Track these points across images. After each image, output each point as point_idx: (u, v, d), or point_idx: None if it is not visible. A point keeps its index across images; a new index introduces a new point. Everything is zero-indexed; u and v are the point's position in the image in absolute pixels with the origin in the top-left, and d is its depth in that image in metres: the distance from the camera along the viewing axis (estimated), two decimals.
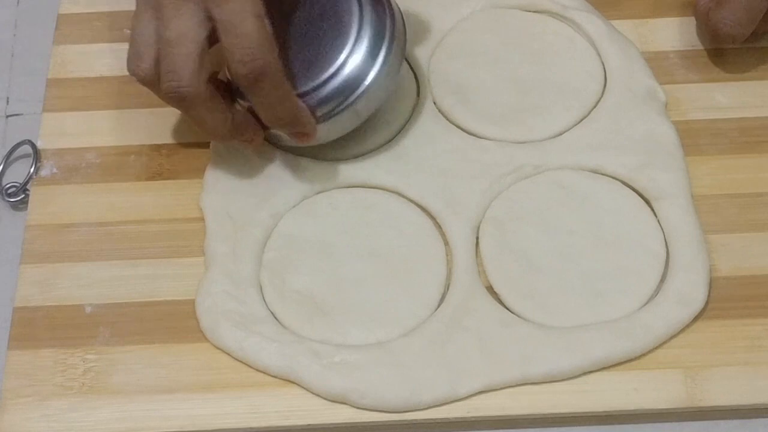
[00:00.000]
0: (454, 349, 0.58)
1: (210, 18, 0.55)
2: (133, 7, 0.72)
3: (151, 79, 0.58)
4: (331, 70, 0.60)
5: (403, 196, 0.64)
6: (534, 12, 0.71)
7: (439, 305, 0.60)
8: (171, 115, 0.68)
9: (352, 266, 0.62)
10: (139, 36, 0.57)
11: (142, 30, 0.57)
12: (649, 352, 0.59)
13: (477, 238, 0.63)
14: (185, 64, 0.56)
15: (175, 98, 0.57)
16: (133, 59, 0.58)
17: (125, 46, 0.70)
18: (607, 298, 0.60)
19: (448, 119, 0.67)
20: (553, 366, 0.58)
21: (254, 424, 0.58)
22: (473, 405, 0.58)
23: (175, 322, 0.61)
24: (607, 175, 0.64)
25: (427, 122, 0.67)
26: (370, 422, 0.58)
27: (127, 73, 0.69)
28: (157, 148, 0.67)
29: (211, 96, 0.58)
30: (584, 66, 0.69)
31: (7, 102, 0.71)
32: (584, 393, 0.58)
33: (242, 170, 0.65)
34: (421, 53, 0.69)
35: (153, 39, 0.57)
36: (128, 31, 0.70)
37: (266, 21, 0.55)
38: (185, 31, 0.55)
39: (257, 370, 0.59)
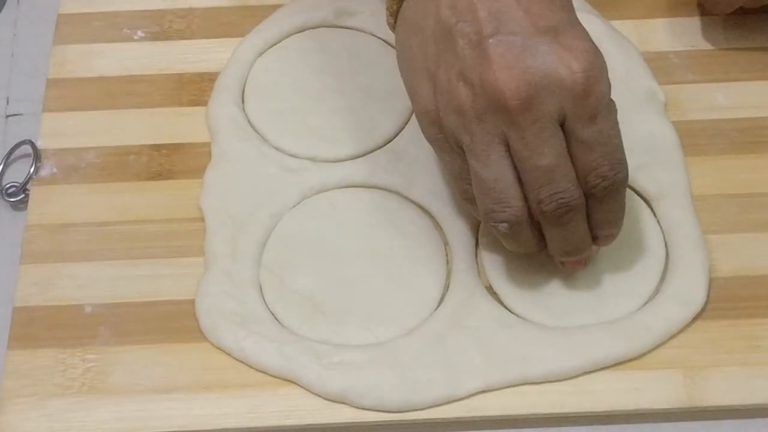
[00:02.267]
0: (454, 349, 0.58)
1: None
2: (133, 7, 0.72)
3: (518, 218, 0.55)
4: None
5: (403, 196, 0.64)
6: None
7: (439, 305, 0.60)
8: (171, 115, 0.68)
9: (352, 266, 0.62)
10: (496, 182, 0.54)
11: (497, 174, 0.54)
12: (649, 352, 0.59)
13: (477, 238, 0.63)
14: (570, 179, 0.54)
15: (561, 221, 0.55)
16: (495, 209, 0.55)
17: (125, 45, 0.71)
18: (606, 298, 0.60)
19: None
20: (553, 366, 0.58)
21: (254, 424, 0.58)
22: (473, 405, 0.58)
23: (175, 322, 0.61)
24: None
25: None
26: (370, 422, 0.58)
27: (127, 73, 0.70)
28: (157, 148, 0.67)
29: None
30: None
31: (7, 102, 0.71)
32: (584, 393, 0.58)
33: (242, 170, 0.65)
34: None
35: (512, 177, 0.54)
36: (128, 31, 0.71)
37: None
38: (559, 151, 0.53)
39: (257, 370, 0.59)
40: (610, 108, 0.54)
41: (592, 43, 0.53)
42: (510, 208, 0.55)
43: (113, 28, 0.72)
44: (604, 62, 0.53)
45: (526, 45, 0.52)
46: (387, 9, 0.58)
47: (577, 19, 0.54)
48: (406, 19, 0.57)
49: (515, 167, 0.54)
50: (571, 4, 0.55)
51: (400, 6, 0.57)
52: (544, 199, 0.54)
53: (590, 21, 0.70)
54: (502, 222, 0.55)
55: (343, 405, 0.58)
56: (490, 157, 0.54)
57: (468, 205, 0.58)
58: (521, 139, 0.53)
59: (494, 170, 0.54)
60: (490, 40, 0.52)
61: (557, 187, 0.54)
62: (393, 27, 0.59)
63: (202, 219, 0.64)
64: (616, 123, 0.55)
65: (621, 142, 0.55)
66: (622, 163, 0.55)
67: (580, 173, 0.54)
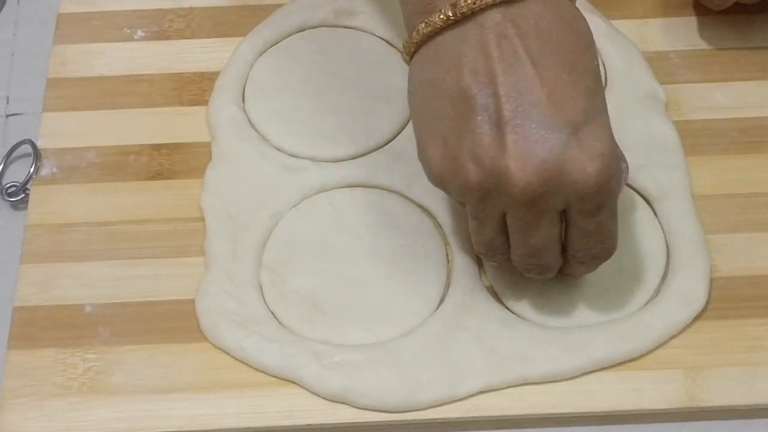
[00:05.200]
0: (454, 349, 0.58)
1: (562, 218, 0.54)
2: (133, 7, 0.72)
3: (504, 262, 0.57)
4: None
5: (403, 196, 0.64)
6: None
7: (439, 305, 0.60)
8: (171, 115, 0.68)
9: (352, 266, 0.62)
10: (490, 241, 0.56)
11: (491, 238, 0.55)
12: (650, 352, 0.59)
13: None
14: (553, 258, 0.55)
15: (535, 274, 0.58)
16: (484, 254, 0.57)
17: (125, 45, 0.71)
18: (607, 297, 0.60)
19: None
20: (553, 366, 0.58)
21: (254, 424, 0.57)
22: (473, 405, 0.57)
23: (175, 322, 0.61)
24: None
25: None
26: (370, 422, 0.58)
27: (127, 73, 0.70)
28: (157, 148, 0.67)
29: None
30: None
31: (7, 101, 0.71)
32: (584, 393, 0.58)
33: (242, 170, 0.65)
34: None
35: (505, 242, 0.55)
36: (128, 30, 0.71)
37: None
38: (551, 236, 0.54)
39: (257, 370, 0.59)
40: (614, 200, 0.54)
41: (611, 141, 0.52)
42: (496, 257, 0.57)
43: (113, 27, 0.72)
44: (620, 162, 0.53)
45: (544, 137, 0.50)
46: (403, 47, 0.55)
47: (601, 105, 0.52)
48: (424, 65, 0.54)
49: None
50: (598, 84, 0.53)
51: (418, 50, 0.54)
52: (522, 264, 0.56)
53: (591, 20, 0.69)
54: (493, 262, 0.59)
55: (344, 405, 0.58)
56: (487, 225, 0.55)
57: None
58: (518, 220, 0.53)
59: (489, 233, 0.55)
60: (508, 126, 0.50)
61: (538, 261, 0.56)
62: (408, 62, 0.56)
63: (202, 219, 0.64)
64: (616, 209, 0.54)
65: (616, 225, 0.55)
66: (613, 247, 0.56)
67: (570, 248, 0.55)
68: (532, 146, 0.50)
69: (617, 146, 0.54)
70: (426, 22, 0.53)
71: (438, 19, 0.52)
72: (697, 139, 0.66)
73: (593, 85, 0.52)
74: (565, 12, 0.53)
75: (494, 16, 0.51)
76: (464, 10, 0.51)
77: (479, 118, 0.51)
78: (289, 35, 0.71)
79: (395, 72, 0.69)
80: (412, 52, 0.55)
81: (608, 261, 0.60)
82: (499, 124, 0.51)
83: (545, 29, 0.51)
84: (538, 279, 0.58)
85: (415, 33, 0.53)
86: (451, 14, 0.51)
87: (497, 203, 0.53)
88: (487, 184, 0.52)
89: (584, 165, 0.51)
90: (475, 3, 0.51)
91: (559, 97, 0.51)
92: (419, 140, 0.55)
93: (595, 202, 0.52)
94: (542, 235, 0.54)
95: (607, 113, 0.53)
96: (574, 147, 0.51)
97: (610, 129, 0.52)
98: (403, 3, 0.55)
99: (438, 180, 0.54)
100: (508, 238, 0.55)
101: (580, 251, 0.55)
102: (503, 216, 0.54)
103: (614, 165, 0.52)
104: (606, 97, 0.66)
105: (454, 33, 0.52)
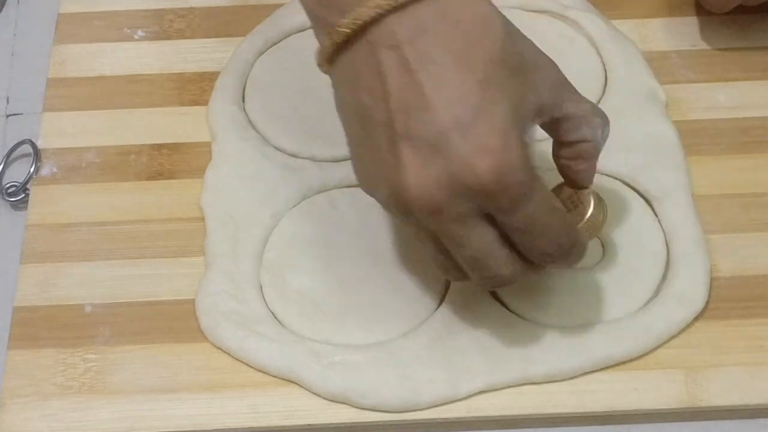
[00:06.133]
0: (454, 349, 0.58)
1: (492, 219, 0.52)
2: (133, 7, 0.72)
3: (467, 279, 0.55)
4: None
5: None
6: (534, 12, 0.71)
7: (439, 305, 0.60)
8: (171, 115, 0.68)
9: (352, 266, 0.61)
10: (438, 261, 0.54)
11: (435, 255, 0.54)
12: (650, 352, 0.59)
13: None
14: (501, 264, 0.52)
15: (501, 287, 0.56)
16: (443, 273, 0.55)
17: (125, 45, 0.71)
18: (607, 297, 0.60)
19: None
20: (553, 366, 0.58)
21: (254, 424, 0.57)
22: (473, 405, 0.57)
23: (175, 322, 0.61)
24: (608, 175, 0.64)
25: None
26: (371, 422, 0.58)
27: (128, 73, 0.70)
28: (157, 148, 0.67)
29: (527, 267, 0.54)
30: (585, 66, 0.68)
31: (7, 101, 0.71)
32: (584, 393, 0.58)
33: (242, 170, 0.65)
34: None
35: (450, 259, 0.53)
36: (128, 30, 0.71)
37: (561, 206, 0.53)
38: (484, 241, 0.51)
39: (257, 370, 0.59)
40: (532, 189, 0.50)
41: (501, 132, 0.49)
42: (453, 275, 0.55)
43: (113, 27, 0.72)
44: (517, 149, 0.49)
45: (434, 145, 0.49)
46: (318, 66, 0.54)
47: (498, 96, 0.49)
48: (335, 86, 0.53)
49: None
50: (495, 74, 0.50)
51: (329, 70, 0.53)
52: (477, 281, 0.54)
53: (591, 20, 0.70)
54: (463, 281, 0.55)
55: (344, 405, 0.58)
56: (425, 243, 0.53)
57: None
58: (444, 235, 0.51)
59: (432, 251, 0.53)
60: (402, 141, 0.49)
61: (486, 272, 0.52)
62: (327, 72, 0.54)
63: (203, 219, 0.64)
64: (546, 199, 0.51)
65: (556, 215, 0.52)
66: (561, 236, 0.52)
67: (524, 252, 0.53)
68: (423, 160, 0.49)
69: (569, 98, 0.53)
70: (321, 47, 0.52)
71: (328, 42, 0.51)
72: (698, 139, 0.66)
73: (485, 77, 0.49)
74: (459, 5, 0.50)
75: (382, 28, 0.50)
76: (347, 31, 0.50)
77: (378, 136, 0.50)
78: (289, 35, 0.71)
79: None
80: (325, 71, 0.54)
81: (607, 261, 0.60)
82: (394, 140, 0.50)
83: (435, 30, 0.50)
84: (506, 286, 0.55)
85: (318, 55, 0.53)
86: (336, 39, 0.50)
87: (417, 221, 0.51)
88: (397, 205, 0.51)
89: (474, 165, 0.49)
90: (354, 22, 0.49)
91: (445, 99, 0.49)
92: (349, 148, 0.54)
93: (505, 198, 0.49)
94: (475, 245, 0.51)
95: (508, 101, 0.50)
96: (464, 148, 0.49)
97: (506, 119, 0.49)
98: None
99: (366, 191, 0.54)
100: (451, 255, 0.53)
101: (530, 250, 0.52)
102: (434, 233, 0.52)
103: (508, 157, 0.49)
104: (606, 97, 0.67)
105: (349, 54, 0.51)
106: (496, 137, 0.49)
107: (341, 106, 0.53)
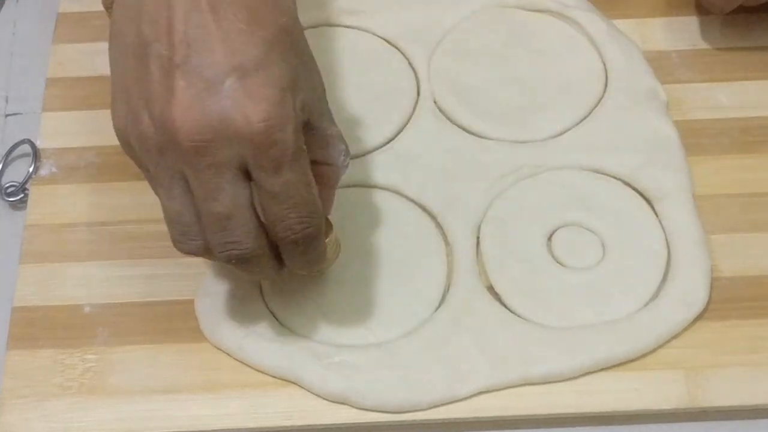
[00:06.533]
0: (454, 350, 0.58)
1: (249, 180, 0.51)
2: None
3: (204, 251, 0.54)
4: None
5: (404, 196, 0.64)
6: (535, 11, 0.71)
7: (439, 305, 0.60)
8: None
9: (352, 266, 0.61)
10: (179, 216, 0.52)
11: (180, 209, 0.52)
12: (651, 352, 0.58)
13: (477, 237, 0.62)
14: (247, 232, 0.52)
15: (239, 262, 0.54)
16: (180, 240, 0.53)
17: None
18: (608, 298, 0.60)
19: (448, 118, 0.67)
20: (553, 366, 0.58)
21: (254, 425, 0.57)
22: (473, 405, 0.57)
23: (175, 322, 0.60)
24: (608, 175, 0.64)
25: (427, 121, 0.67)
26: (371, 423, 0.57)
27: None
28: None
29: (270, 250, 0.54)
30: (585, 65, 0.68)
31: (7, 101, 0.71)
32: (585, 394, 0.58)
33: None
34: (421, 52, 0.69)
35: (194, 214, 0.52)
36: None
37: (315, 188, 0.53)
38: (237, 201, 0.51)
39: (257, 370, 0.59)
40: (298, 158, 0.50)
41: (280, 89, 0.49)
42: (192, 242, 0.53)
43: None
44: (291, 111, 0.50)
45: (211, 83, 0.49)
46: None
47: (279, 60, 0.50)
48: (115, 18, 0.52)
49: None
50: (281, 39, 0.50)
51: (111, 4, 0.53)
52: (216, 246, 0.52)
53: (591, 20, 0.70)
54: (187, 253, 0.54)
55: (344, 405, 0.58)
56: (172, 191, 0.52)
57: None
58: (197, 180, 0.51)
59: (177, 204, 0.52)
60: (177, 72, 0.49)
61: (230, 236, 0.51)
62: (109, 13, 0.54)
63: None
64: (306, 173, 0.51)
65: (312, 194, 0.52)
66: (311, 217, 0.52)
67: (269, 223, 0.52)
68: (197, 93, 0.49)
69: (326, 114, 0.53)
70: None
71: None
72: (698, 138, 0.66)
73: (272, 38, 0.50)
74: None
75: None
76: None
77: (153, 66, 0.50)
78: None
79: (395, 72, 0.69)
80: (108, 5, 0.53)
81: (608, 261, 0.60)
82: (169, 73, 0.49)
83: None
84: (246, 272, 0.54)
85: None
86: None
87: (173, 161, 0.50)
88: (158, 136, 0.50)
89: (247, 111, 0.49)
90: None
91: (231, 44, 0.49)
92: (111, 93, 0.53)
93: (270, 155, 0.49)
94: (227, 200, 0.50)
95: (288, 69, 0.50)
96: (239, 93, 0.49)
97: (284, 82, 0.50)
98: None
99: (121, 134, 0.52)
100: (197, 215, 0.52)
101: (277, 222, 0.51)
102: (186, 182, 0.51)
103: (282, 112, 0.49)
104: (607, 96, 0.67)
105: None
106: (274, 91, 0.49)
107: (115, 37, 0.52)
